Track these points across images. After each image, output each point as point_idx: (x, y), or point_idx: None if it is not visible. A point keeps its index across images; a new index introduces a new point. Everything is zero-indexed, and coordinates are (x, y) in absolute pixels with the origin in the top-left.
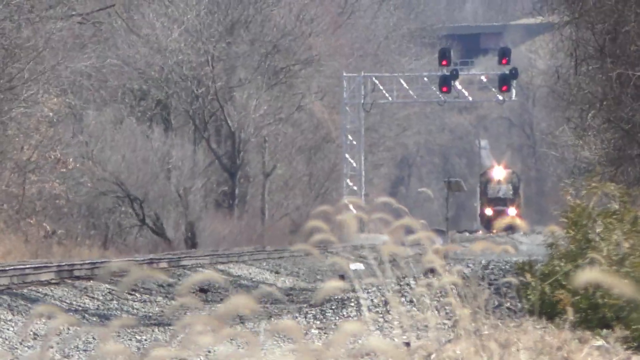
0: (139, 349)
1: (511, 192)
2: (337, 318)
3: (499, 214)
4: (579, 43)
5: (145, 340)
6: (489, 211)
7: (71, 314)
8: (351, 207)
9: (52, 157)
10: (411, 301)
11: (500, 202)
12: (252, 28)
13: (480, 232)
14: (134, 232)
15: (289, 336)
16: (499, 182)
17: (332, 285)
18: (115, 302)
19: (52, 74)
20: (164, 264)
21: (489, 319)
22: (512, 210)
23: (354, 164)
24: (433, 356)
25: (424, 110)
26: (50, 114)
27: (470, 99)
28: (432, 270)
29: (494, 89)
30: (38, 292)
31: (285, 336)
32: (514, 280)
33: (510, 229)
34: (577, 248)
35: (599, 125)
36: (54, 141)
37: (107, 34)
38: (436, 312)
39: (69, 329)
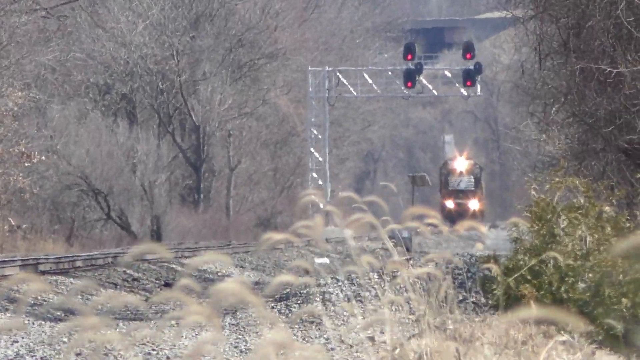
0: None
1: (472, 184)
2: (303, 312)
3: (460, 207)
4: (543, 38)
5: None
6: (449, 204)
7: (36, 308)
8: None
9: (17, 150)
10: (376, 295)
11: (461, 195)
12: (216, 22)
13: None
14: (99, 226)
15: (254, 330)
16: (460, 173)
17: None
18: (79, 296)
19: (17, 68)
20: (128, 258)
21: (453, 313)
22: (474, 203)
23: (319, 158)
24: (397, 351)
25: (388, 104)
26: (15, 107)
27: (435, 93)
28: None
29: (458, 84)
30: (2, 287)
31: (251, 330)
32: (478, 271)
33: (474, 217)
34: (542, 243)
35: (563, 119)
36: (18, 135)
37: (72, 28)
38: (401, 306)
39: (33, 323)
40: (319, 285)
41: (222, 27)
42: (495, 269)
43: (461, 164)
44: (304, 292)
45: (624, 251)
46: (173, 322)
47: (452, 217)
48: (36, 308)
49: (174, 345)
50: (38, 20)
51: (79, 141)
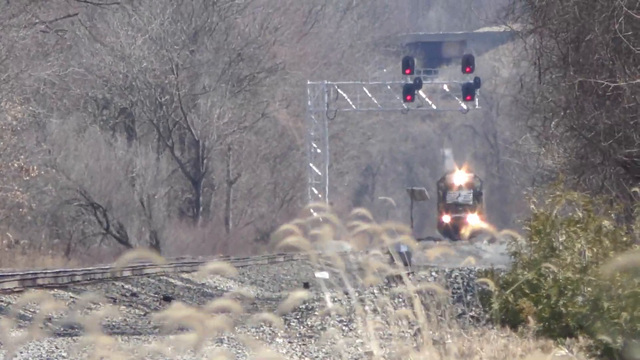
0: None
1: (471, 198)
2: (302, 327)
3: (458, 221)
4: (542, 52)
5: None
6: (446, 218)
7: (34, 322)
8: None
9: (16, 165)
10: (375, 310)
11: (459, 209)
12: (216, 36)
13: (441, 241)
14: (98, 241)
15: (253, 346)
16: (459, 187)
17: (298, 295)
18: (79, 311)
19: (16, 82)
20: (127, 273)
21: (452, 327)
22: (472, 218)
23: (319, 172)
24: None
25: (387, 118)
26: (14, 122)
27: (434, 107)
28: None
29: (457, 98)
30: (1, 301)
31: (250, 346)
32: (476, 285)
33: (473, 236)
34: (541, 257)
35: (562, 133)
36: (17, 149)
37: (71, 42)
38: (399, 320)
39: (31, 337)
40: (318, 300)
41: (221, 41)
42: (492, 284)
43: (460, 177)
44: (303, 306)
45: (623, 265)
46: (172, 337)
47: (449, 233)
48: (35, 322)
49: None
50: (37, 35)
51: (78, 155)
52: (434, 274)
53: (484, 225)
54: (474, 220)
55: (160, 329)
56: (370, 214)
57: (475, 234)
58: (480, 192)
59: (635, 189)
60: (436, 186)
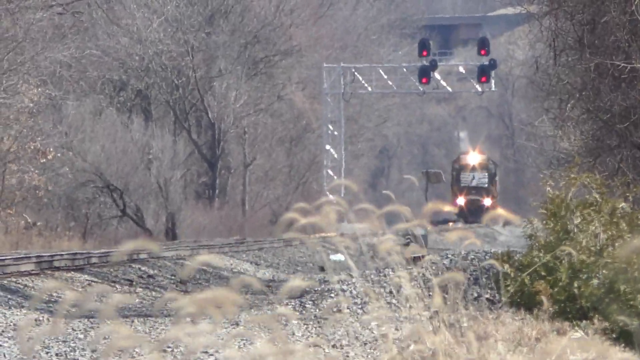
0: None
1: (486, 180)
2: (317, 310)
3: (473, 203)
4: (558, 34)
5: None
6: (461, 201)
7: (51, 305)
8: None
9: (32, 147)
10: (390, 292)
11: (474, 191)
12: (231, 18)
13: (458, 223)
14: (114, 223)
15: (268, 327)
16: (473, 168)
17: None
18: (95, 293)
19: (32, 65)
20: (143, 255)
21: (467, 310)
22: (487, 200)
23: (335, 155)
24: (411, 348)
25: (403, 100)
26: (30, 104)
27: (450, 89)
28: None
29: (472, 80)
30: (18, 283)
31: (266, 327)
32: (492, 269)
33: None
34: (556, 239)
35: (578, 116)
36: (34, 132)
37: (87, 24)
38: (415, 303)
39: (48, 320)
40: (333, 282)
41: (237, 23)
42: (502, 266)
43: (474, 158)
44: (319, 289)
45: (639, 247)
46: (188, 319)
47: (464, 215)
48: (51, 305)
49: (190, 342)
50: (53, 17)
51: (94, 138)
52: (449, 255)
53: (502, 212)
54: (488, 203)
55: (176, 312)
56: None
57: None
58: (494, 174)
59: None
60: (450, 167)
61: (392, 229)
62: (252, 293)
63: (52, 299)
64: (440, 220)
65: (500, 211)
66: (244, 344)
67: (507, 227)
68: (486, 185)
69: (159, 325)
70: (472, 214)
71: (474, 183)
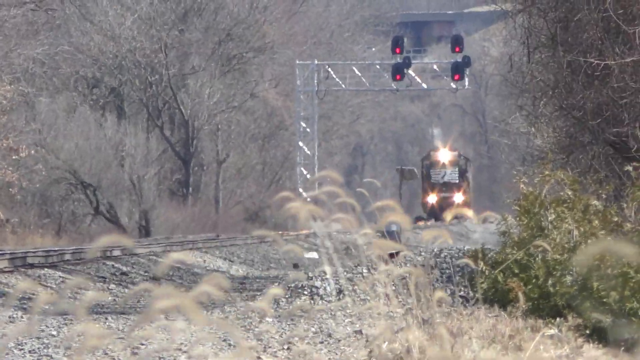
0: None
1: (457, 176)
2: (291, 307)
3: (444, 200)
4: (531, 31)
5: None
6: (432, 198)
7: (24, 302)
8: (304, 194)
9: (5, 144)
10: (364, 290)
11: (445, 188)
12: (205, 16)
13: (428, 222)
14: (88, 220)
15: (242, 324)
16: (443, 165)
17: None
18: (68, 290)
19: (5, 61)
20: (117, 252)
21: (441, 307)
22: (458, 197)
23: (308, 152)
24: (385, 345)
25: (377, 98)
26: (4, 101)
27: (424, 86)
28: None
29: (447, 77)
30: None
31: (240, 324)
32: (466, 266)
33: (457, 217)
34: (530, 236)
35: (551, 113)
36: (6, 129)
37: (60, 21)
38: (388, 300)
39: (22, 317)
40: (308, 279)
41: (210, 21)
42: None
43: (444, 155)
44: (292, 285)
45: (613, 244)
46: (162, 316)
47: (434, 213)
48: (24, 302)
49: (162, 340)
50: (27, 13)
51: (67, 135)
52: (422, 253)
53: (467, 210)
54: (459, 199)
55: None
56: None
57: (460, 215)
58: (465, 170)
59: (628, 167)
60: (420, 164)
61: (365, 226)
62: (226, 290)
63: (26, 296)
64: (413, 218)
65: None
66: (217, 340)
67: (481, 225)
68: (457, 181)
69: (132, 323)
70: (442, 211)
71: (445, 179)
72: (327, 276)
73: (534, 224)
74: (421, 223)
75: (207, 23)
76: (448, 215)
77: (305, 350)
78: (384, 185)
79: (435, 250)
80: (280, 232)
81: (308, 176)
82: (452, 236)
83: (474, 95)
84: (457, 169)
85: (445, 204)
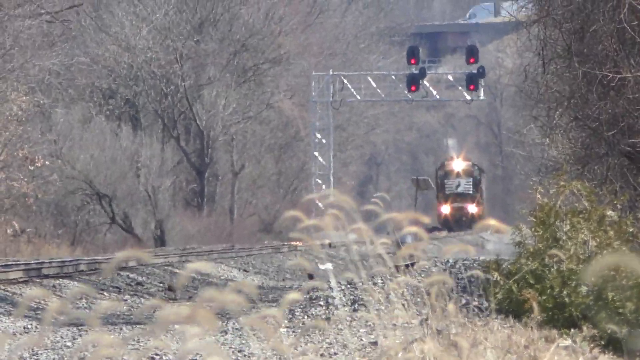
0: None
1: (471, 187)
2: (306, 317)
3: (458, 211)
4: (546, 42)
5: (114, 338)
6: (446, 209)
7: (39, 312)
8: (320, 204)
9: (21, 155)
10: (379, 300)
11: (459, 199)
12: (220, 26)
13: (442, 233)
14: (103, 230)
15: (257, 335)
16: (457, 175)
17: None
18: (84, 300)
19: (21, 72)
20: (132, 262)
21: (456, 317)
22: (472, 208)
23: (323, 162)
24: (400, 355)
25: (392, 108)
26: (19, 112)
27: (438, 97)
28: (406, 266)
29: (461, 88)
30: (6, 291)
31: (254, 335)
32: (480, 276)
33: (469, 227)
34: (545, 247)
35: (566, 123)
36: (22, 139)
37: (76, 33)
38: (404, 311)
39: (37, 327)
40: (322, 290)
41: (226, 32)
42: (496, 274)
43: (459, 165)
44: (307, 296)
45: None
46: (177, 326)
47: (448, 224)
48: (39, 312)
49: (178, 350)
50: (42, 25)
51: (83, 145)
52: (438, 264)
53: (493, 222)
54: (473, 210)
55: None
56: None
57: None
58: (479, 180)
59: None
60: (435, 174)
61: (381, 236)
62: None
63: (41, 307)
64: (429, 229)
65: (492, 222)
66: (233, 351)
67: (496, 235)
68: (471, 191)
69: (148, 333)
70: (456, 222)
71: (459, 190)
72: (342, 287)
73: (549, 235)
74: (438, 234)
75: (222, 34)
76: (476, 227)
77: None
78: (399, 196)
79: (450, 261)
80: (294, 242)
81: (323, 187)
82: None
83: (489, 106)
84: (471, 180)
85: (458, 214)
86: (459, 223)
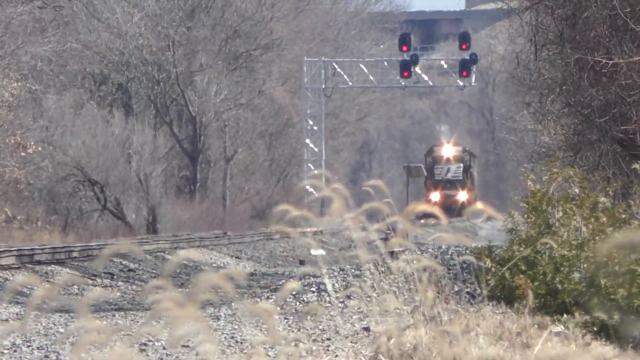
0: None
1: (461, 173)
2: (298, 303)
3: (448, 198)
4: (538, 28)
5: (106, 324)
6: (435, 196)
7: (31, 299)
8: (310, 189)
9: (12, 141)
10: (372, 287)
11: (448, 185)
12: (212, 13)
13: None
14: (95, 217)
15: (250, 321)
16: (447, 161)
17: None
18: (76, 287)
19: (12, 59)
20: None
21: (448, 304)
22: (462, 195)
23: (315, 149)
24: (392, 341)
25: (384, 95)
26: (11, 98)
27: (431, 84)
28: (392, 254)
29: (454, 74)
30: None
31: (247, 320)
32: (472, 262)
33: (459, 214)
34: (537, 233)
35: (559, 110)
36: (14, 125)
37: (68, 18)
38: (395, 297)
39: (29, 314)
40: (314, 276)
41: (218, 18)
42: (488, 260)
43: (448, 150)
44: (299, 283)
45: (620, 242)
46: (169, 312)
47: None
48: (31, 299)
49: (170, 336)
50: (34, 11)
51: (74, 132)
52: (430, 249)
53: (482, 207)
54: (463, 197)
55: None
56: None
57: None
58: (470, 166)
59: (636, 166)
60: (423, 160)
61: (372, 223)
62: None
63: (33, 294)
64: (420, 216)
65: (480, 206)
66: (225, 337)
67: (488, 222)
68: (461, 177)
69: (140, 319)
70: (446, 209)
71: (448, 176)
72: (335, 273)
73: (541, 222)
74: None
75: (214, 20)
76: (466, 213)
77: (312, 348)
78: (391, 183)
79: (442, 247)
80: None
81: (315, 173)
82: (459, 233)
83: (481, 92)
84: (461, 165)
85: (448, 202)
86: (449, 210)
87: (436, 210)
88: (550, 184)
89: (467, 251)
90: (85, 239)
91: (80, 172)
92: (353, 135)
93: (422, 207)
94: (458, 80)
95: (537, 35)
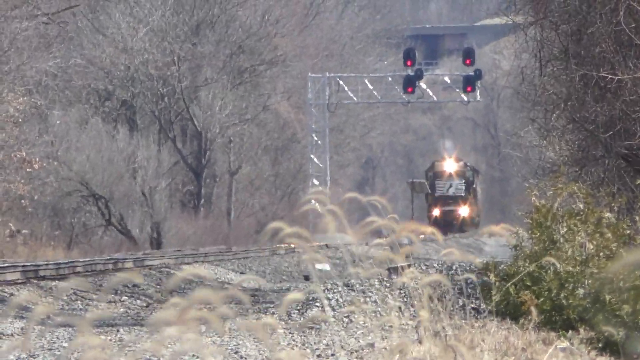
0: (102, 348)
1: (463, 188)
2: (302, 319)
3: (449, 215)
4: (543, 44)
5: (110, 340)
6: (436, 212)
7: (35, 314)
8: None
9: (18, 156)
10: (376, 302)
11: (450, 202)
12: (217, 28)
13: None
14: (99, 232)
15: (254, 336)
16: (449, 176)
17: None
18: (79, 302)
19: (18, 74)
20: (129, 264)
21: (453, 319)
22: (464, 210)
23: (320, 164)
24: (397, 357)
25: (388, 110)
26: (16, 113)
27: (435, 99)
28: (394, 269)
29: (458, 90)
30: (4, 292)
31: (251, 335)
32: (476, 279)
33: (460, 230)
34: (542, 249)
35: (563, 126)
36: (19, 141)
37: (73, 34)
38: (400, 312)
39: (34, 328)
40: (319, 291)
41: (222, 33)
42: (492, 276)
43: (450, 166)
44: (304, 298)
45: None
46: (174, 327)
47: (438, 228)
48: (35, 314)
49: (175, 351)
50: (39, 26)
51: (79, 147)
52: (434, 265)
53: (494, 228)
54: (465, 213)
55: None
56: (369, 207)
57: (469, 227)
58: (472, 182)
59: (638, 181)
60: (424, 176)
61: (376, 239)
62: (237, 302)
63: (37, 309)
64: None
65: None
66: (229, 352)
67: (493, 238)
68: (463, 193)
69: (144, 334)
70: (446, 225)
71: (450, 192)
72: (339, 288)
73: (546, 237)
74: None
75: (219, 36)
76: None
77: None
78: (395, 198)
79: (447, 263)
80: (292, 244)
81: (320, 188)
82: (463, 249)
83: (486, 107)
84: (463, 181)
85: (449, 217)
86: (449, 226)
87: (432, 229)
88: (555, 200)
89: (472, 267)
90: (89, 255)
91: (85, 187)
92: (357, 151)
93: (415, 227)
94: (462, 96)
95: (542, 50)
